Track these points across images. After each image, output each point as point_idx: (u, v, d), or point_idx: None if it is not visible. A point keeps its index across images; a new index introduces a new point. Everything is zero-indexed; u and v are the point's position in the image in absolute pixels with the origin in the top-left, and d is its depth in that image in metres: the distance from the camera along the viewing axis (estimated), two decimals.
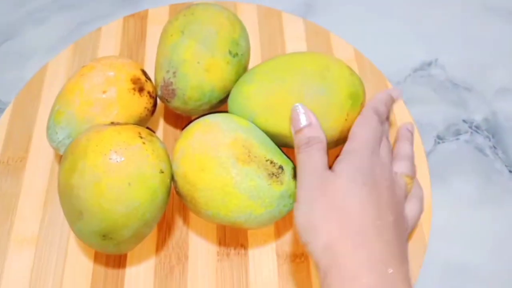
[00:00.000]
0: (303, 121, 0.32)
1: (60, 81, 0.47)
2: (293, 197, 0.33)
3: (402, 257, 0.29)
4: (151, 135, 0.34)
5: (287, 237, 0.39)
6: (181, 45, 0.38)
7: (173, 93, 0.39)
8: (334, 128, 0.34)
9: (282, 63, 0.36)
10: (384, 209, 0.30)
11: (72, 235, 0.39)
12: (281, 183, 0.33)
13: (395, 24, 0.53)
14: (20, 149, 0.43)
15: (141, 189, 0.32)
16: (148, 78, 0.40)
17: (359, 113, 0.35)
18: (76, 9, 0.55)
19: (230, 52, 0.38)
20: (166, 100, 0.39)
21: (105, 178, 0.31)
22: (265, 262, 0.38)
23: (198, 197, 0.33)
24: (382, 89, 0.46)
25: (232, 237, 0.39)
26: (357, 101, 0.35)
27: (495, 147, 0.45)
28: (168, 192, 0.34)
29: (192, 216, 0.40)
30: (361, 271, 0.27)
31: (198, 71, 0.38)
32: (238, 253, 0.38)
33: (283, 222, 0.39)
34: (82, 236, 0.34)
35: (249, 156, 0.32)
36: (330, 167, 0.31)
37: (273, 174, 0.33)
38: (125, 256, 0.38)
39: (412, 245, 0.38)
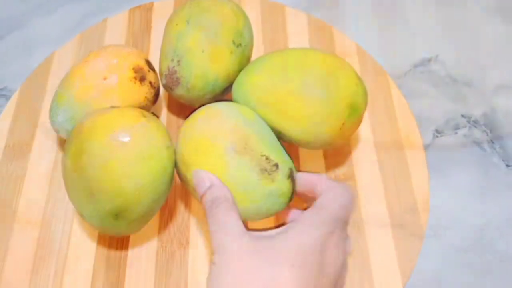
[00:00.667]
0: (204, 185, 0.31)
1: (65, 70, 0.47)
2: (284, 197, 0.33)
3: None
4: (153, 115, 0.35)
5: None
6: (186, 35, 0.39)
7: (177, 81, 0.39)
8: (327, 134, 0.35)
9: (293, 59, 0.36)
10: None
11: (76, 218, 0.40)
12: (272, 181, 0.32)
13: (397, 20, 0.54)
14: (26, 134, 0.44)
15: (151, 164, 0.32)
16: (151, 68, 0.40)
17: (355, 124, 0.35)
18: (83, 1, 0.56)
19: (234, 42, 0.39)
20: (170, 88, 0.40)
21: (114, 156, 0.31)
22: None
23: (190, 178, 0.33)
24: (383, 84, 0.47)
25: None
26: (356, 111, 0.35)
27: (492, 142, 0.46)
28: (173, 168, 0.35)
29: (194, 201, 0.40)
30: None
31: (203, 60, 0.38)
32: None
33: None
34: (92, 219, 0.34)
35: (244, 148, 0.32)
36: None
37: (265, 170, 0.32)
38: (127, 239, 0.39)
39: (409, 238, 0.39)
